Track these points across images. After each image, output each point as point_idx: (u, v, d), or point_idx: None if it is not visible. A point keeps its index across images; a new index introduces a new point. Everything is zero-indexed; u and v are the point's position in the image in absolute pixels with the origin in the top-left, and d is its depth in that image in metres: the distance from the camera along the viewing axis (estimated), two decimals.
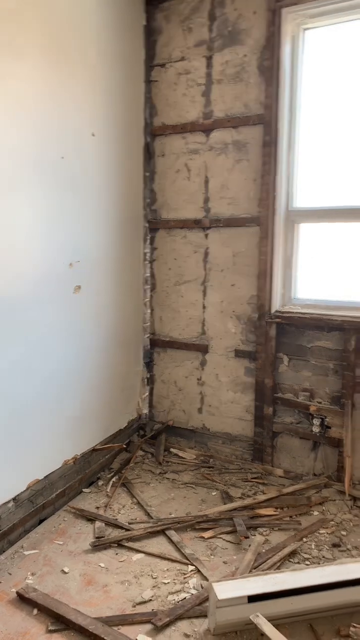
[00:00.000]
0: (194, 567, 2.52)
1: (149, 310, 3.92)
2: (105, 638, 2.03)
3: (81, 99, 3.00)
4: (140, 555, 2.62)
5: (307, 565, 2.52)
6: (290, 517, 2.93)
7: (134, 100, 3.55)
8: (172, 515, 2.97)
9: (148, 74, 3.66)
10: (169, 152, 3.68)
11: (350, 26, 3.11)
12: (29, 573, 2.48)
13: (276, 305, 3.40)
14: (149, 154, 3.73)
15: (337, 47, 3.18)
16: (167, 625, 2.14)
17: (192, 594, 2.32)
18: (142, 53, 3.62)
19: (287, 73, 3.22)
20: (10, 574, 2.47)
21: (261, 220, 3.34)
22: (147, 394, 3.98)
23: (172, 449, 3.74)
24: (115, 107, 3.34)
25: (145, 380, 3.95)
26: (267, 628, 1.97)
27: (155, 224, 3.79)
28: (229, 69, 3.37)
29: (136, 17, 3.52)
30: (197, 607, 2.24)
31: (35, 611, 2.23)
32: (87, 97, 3.05)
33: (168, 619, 2.15)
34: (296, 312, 3.31)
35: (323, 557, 2.58)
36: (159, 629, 2.13)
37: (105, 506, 3.06)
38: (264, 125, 3.26)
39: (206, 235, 3.61)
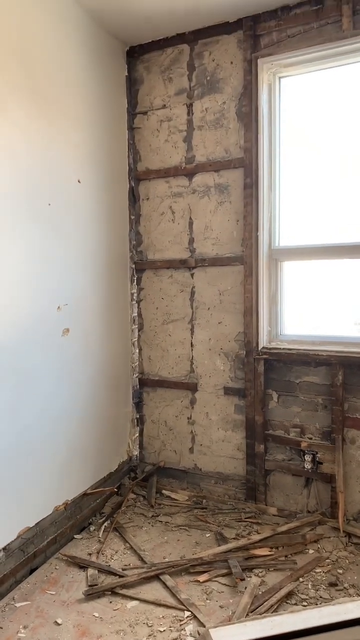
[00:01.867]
0: (190, 612, 2.46)
1: (137, 350, 3.93)
2: None
3: (66, 147, 3.09)
4: (134, 603, 2.56)
5: (304, 606, 2.47)
6: (286, 556, 2.90)
7: (118, 146, 3.66)
8: (166, 560, 2.92)
9: (131, 121, 3.78)
10: (153, 195, 3.78)
11: (322, 74, 3.27)
12: (20, 626, 2.41)
13: (263, 341, 3.44)
14: (133, 197, 3.82)
15: (312, 92, 3.33)
16: None
17: None
18: (125, 102, 3.75)
19: (265, 118, 3.35)
20: (1, 628, 2.39)
21: (245, 259, 3.42)
22: (137, 434, 3.96)
23: (164, 491, 3.70)
24: (100, 154, 3.44)
25: (135, 420, 3.93)
26: None
27: (141, 265, 3.85)
28: (209, 116, 3.51)
29: (118, 68, 3.66)
30: None
31: None
32: (72, 145, 3.14)
33: None
34: (283, 348, 3.35)
35: (320, 597, 2.54)
36: None
37: (98, 552, 3.00)
38: (245, 168, 3.37)
39: (192, 275, 3.67)
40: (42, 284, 2.89)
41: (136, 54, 3.73)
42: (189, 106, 3.58)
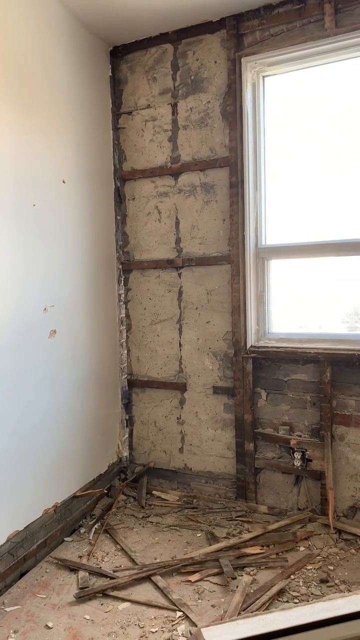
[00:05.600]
0: (181, 612, 2.46)
1: (125, 351, 3.92)
2: None
3: (50, 148, 3.07)
4: (126, 604, 2.54)
5: (296, 603, 2.48)
6: (277, 554, 2.90)
7: (103, 147, 3.64)
8: (158, 560, 2.91)
9: (116, 121, 3.77)
10: (139, 195, 3.77)
11: (306, 72, 3.28)
12: (11, 631, 2.38)
13: (251, 340, 3.44)
14: (119, 198, 3.81)
15: (297, 91, 3.34)
16: None
17: None
18: (109, 101, 3.74)
19: (250, 117, 3.35)
20: None
21: (232, 258, 3.42)
22: (126, 436, 3.94)
23: (154, 492, 3.69)
24: (85, 154, 3.42)
25: (125, 422, 3.92)
26: None
27: (128, 265, 3.84)
28: (194, 115, 3.50)
29: (102, 68, 3.65)
30: None
31: None
32: (56, 145, 3.12)
33: None
34: (271, 347, 3.36)
35: (312, 593, 2.55)
36: None
37: (89, 554, 2.98)
38: (230, 167, 3.38)
39: (179, 275, 3.67)
40: (27, 285, 2.87)
41: (120, 53, 3.72)
42: (174, 106, 3.58)
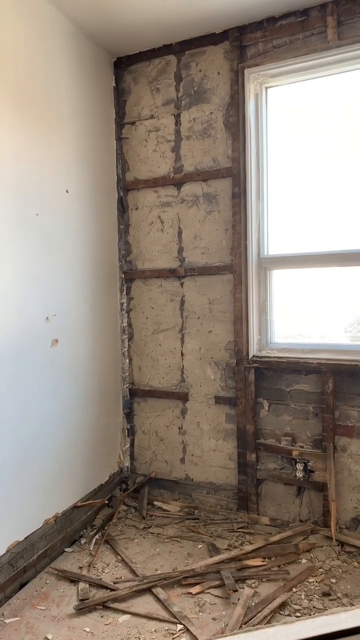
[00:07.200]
0: (182, 625, 2.43)
1: (127, 360, 3.91)
2: None
3: (54, 158, 3.08)
4: (126, 617, 2.52)
5: (298, 617, 2.45)
6: (279, 566, 2.88)
7: (106, 157, 3.66)
8: (158, 572, 2.88)
9: (119, 131, 3.79)
10: (142, 205, 3.78)
11: (309, 84, 3.30)
12: None
13: (253, 350, 3.44)
14: (122, 207, 3.82)
15: (299, 102, 3.36)
16: None
17: None
18: (113, 112, 3.76)
19: (253, 128, 3.37)
20: None
21: (234, 268, 3.42)
22: (128, 445, 3.93)
23: (155, 502, 3.66)
24: (88, 164, 3.43)
25: (126, 431, 3.90)
26: None
27: (130, 275, 3.84)
28: (197, 126, 3.52)
29: (106, 79, 3.67)
30: None
31: None
32: (60, 155, 3.14)
33: None
34: (273, 357, 3.35)
35: (314, 607, 2.52)
36: None
37: (89, 565, 2.96)
38: (233, 177, 3.39)
39: (182, 284, 3.67)
40: (30, 294, 2.87)
41: (123, 64, 3.75)
42: (177, 116, 3.60)
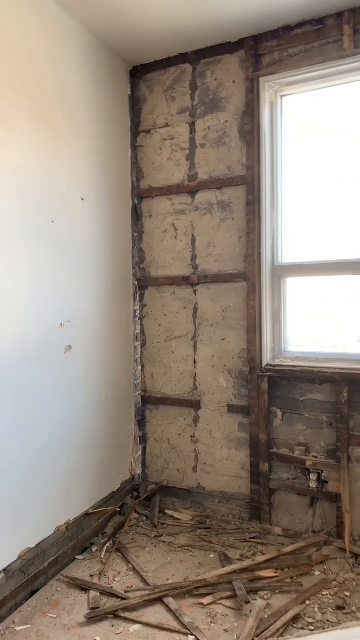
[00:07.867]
0: (194, 637, 2.40)
1: (139, 367, 3.91)
2: None
3: (70, 165, 3.10)
4: (137, 627, 2.50)
5: (311, 630, 2.41)
6: (292, 578, 2.84)
7: (121, 164, 3.68)
8: (170, 581, 2.86)
9: (134, 140, 3.81)
10: (156, 213, 3.79)
11: (325, 92, 3.30)
12: None
13: (267, 358, 3.41)
14: (136, 215, 3.83)
15: (315, 110, 3.35)
16: None
17: None
18: (128, 120, 3.78)
19: (267, 136, 3.36)
20: None
21: (248, 275, 3.41)
22: (139, 453, 3.91)
23: (167, 511, 3.64)
24: (103, 172, 3.45)
25: (138, 439, 3.89)
26: None
27: (144, 282, 3.84)
28: (212, 134, 3.53)
29: (122, 87, 3.70)
30: None
31: None
32: (75, 163, 3.16)
33: None
34: (287, 365, 3.32)
35: (327, 620, 2.48)
36: None
37: (100, 574, 2.94)
38: (247, 185, 3.38)
39: (195, 291, 3.66)
40: (45, 301, 2.89)
41: (139, 73, 3.77)
42: (192, 125, 3.61)
